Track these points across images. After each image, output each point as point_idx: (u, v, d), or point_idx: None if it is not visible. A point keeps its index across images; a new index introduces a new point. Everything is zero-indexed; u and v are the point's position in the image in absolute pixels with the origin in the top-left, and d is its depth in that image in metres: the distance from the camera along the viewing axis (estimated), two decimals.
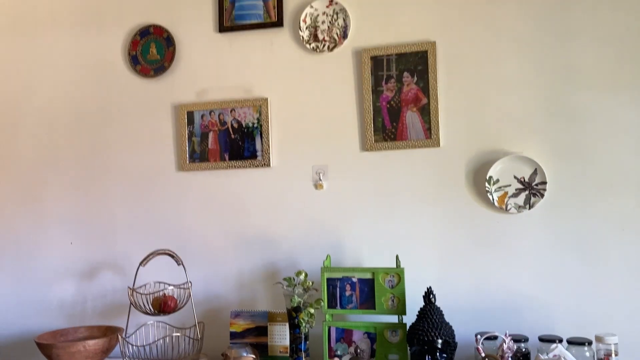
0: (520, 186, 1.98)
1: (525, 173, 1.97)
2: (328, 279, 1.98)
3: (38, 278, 2.43)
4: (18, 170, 2.47)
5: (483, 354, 1.71)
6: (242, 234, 2.23)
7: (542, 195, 1.96)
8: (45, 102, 2.46)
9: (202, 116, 2.28)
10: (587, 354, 1.75)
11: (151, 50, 2.35)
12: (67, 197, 2.42)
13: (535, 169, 1.96)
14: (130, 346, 2.05)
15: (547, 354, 1.71)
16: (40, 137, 2.46)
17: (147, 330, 2.21)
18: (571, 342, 1.77)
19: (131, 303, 2.07)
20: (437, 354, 1.76)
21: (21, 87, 2.48)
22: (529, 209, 1.97)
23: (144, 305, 2.11)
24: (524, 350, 1.81)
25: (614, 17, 1.94)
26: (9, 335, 2.43)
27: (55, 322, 2.39)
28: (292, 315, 1.89)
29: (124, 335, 2.06)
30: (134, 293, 2.11)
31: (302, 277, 1.91)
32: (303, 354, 1.89)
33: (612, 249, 1.92)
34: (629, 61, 1.93)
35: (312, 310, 1.85)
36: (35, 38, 2.48)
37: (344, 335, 1.95)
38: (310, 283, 1.92)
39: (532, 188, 1.97)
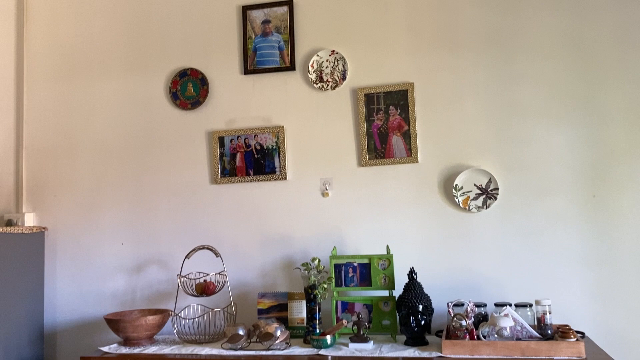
0: (479, 191, 2.60)
1: (483, 181, 2.60)
2: (335, 265, 2.56)
3: (95, 273, 2.96)
4: (78, 187, 3.02)
5: (452, 314, 2.30)
6: (265, 233, 2.81)
7: (496, 198, 2.58)
8: (100, 132, 3.03)
9: (231, 140, 2.87)
10: (529, 313, 2.35)
11: (188, 88, 2.94)
12: (119, 208, 2.97)
13: (490, 179, 2.59)
14: (180, 320, 2.61)
15: (500, 313, 2.30)
16: (96, 161, 3.01)
17: (190, 310, 2.75)
18: (517, 305, 2.36)
19: (180, 286, 2.63)
20: (419, 316, 2.34)
21: (80, 121, 3.05)
22: (486, 209, 2.59)
23: (189, 289, 2.67)
24: (483, 312, 2.41)
25: (547, 65, 2.58)
26: (71, 320, 2.96)
27: (109, 308, 2.92)
28: (309, 292, 2.47)
29: (173, 313, 2.62)
30: (182, 279, 2.67)
31: (316, 262, 2.49)
32: (317, 321, 2.46)
33: (548, 238, 2.54)
34: (558, 99, 2.57)
35: (325, 286, 2.44)
36: (91, 81, 3.06)
37: (348, 307, 2.54)
38: (322, 267, 2.51)
39: (488, 193, 2.60)
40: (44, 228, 2.98)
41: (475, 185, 2.60)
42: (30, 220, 3.00)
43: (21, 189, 3.04)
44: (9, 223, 2.94)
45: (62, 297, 2.98)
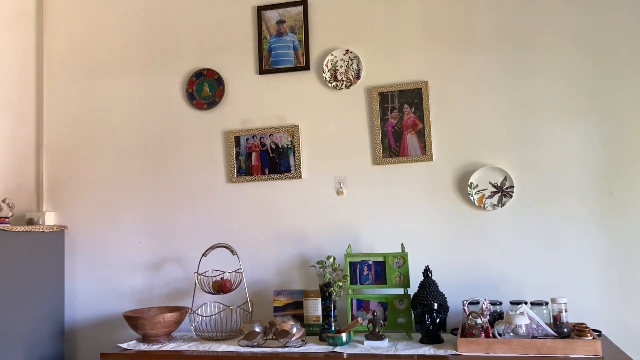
0: (494, 189, 2.60)
1: (498, 179, 2.60)
2: (350, 263, 2.58)
3: (113, 271, 3.01)
4: (97, 186, 3.07)
5: (468, 312, 2.31)
6: (280, 231, 2.83)
7: (511, 196, 2.58)
8: (118, 132, 3.07)
9: (247, 140, 2.90)
10: (545, 311, 2.34)
11: (204, 89, 2.98)
12: (136, 206, 3.01)
13: (505, 177, 2.59)
14: (197, 317, 2.65)
15: (515, 312, 2.30)
16: (114, 160, 3.06)
17: (207, 308, 2.78)
18: (533, 303, 2.36)
19: (197, 284, 2.67)
20: (434, 313, 2.35)
21: (98, 121, 3.10)
22: (501, 207, 2.59)
23: (206, 287, 2.70)
24: (498, 310, 2.40)
25: (562, 61, 2.57)
26: (91, 317, 3.01)
27: (128, 306, 2.96)
28: (324, 290, 2.49)
29: (191, 310, 2.65)
30: (199, 277, 2.71)
31: (331, 260, 2.50)
32: (333, 319, 2.48)
33: (565, 236, 2.52)
34: (574, 96, 2.55)
35: (340, 284, 2.45)
36: (109, 82, 3.11)
37: (363, 305, 2.55)
38: (338, 265, 2.52)
39: (503, 191, 2.59)
40: (64, 227, 3.04)
41: (490, 183, 2.60)
42: (50, 219, 3.06)
43: (42, 188, 3.11)
44: (30, 222, 3.00)
45: (81, 294, 3.03)
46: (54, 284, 2.93)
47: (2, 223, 2.66)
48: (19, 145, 3.07)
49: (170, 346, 2.48)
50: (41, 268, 2.83)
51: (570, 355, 2.05)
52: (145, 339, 2.56)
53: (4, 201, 2.76)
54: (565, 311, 2.28)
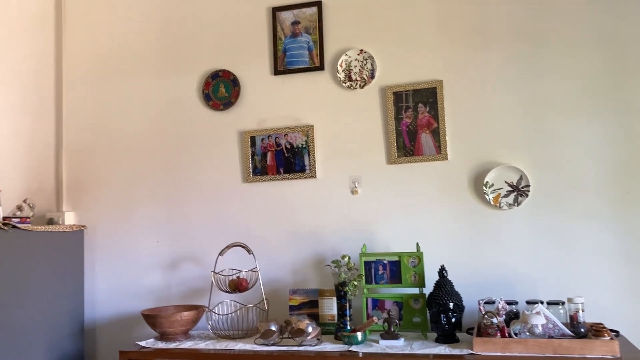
0: (510, 189, 2.59)
1: (514, 178, 2.58)
2: (365, 262, 2.58)
3: (131, 270, 3.05)
4: (115, 186, 3.12)
5: (483, 312, 2.30)
6: (295, 231, 2.85)
7: (527, 195, 2.56)
8: (135, 133, 3.11)
9: (262, 140, 2.92)
10: (561, 311, 2.33)
11: (220, 89, 3.01)
12: (153, 206, 3.05)
13: (521, 175, 2.57)
14: (214, 316, 2.68)
15: (531, 311, 2.28)
16: (132, 160, 3.11)
17: (223, 307, 2.81)
18: (549, 303, 2.35)
19: (214, 283, 2.70)
20: (450, 313, 2.35)
21: (116, 122, 3.15)
22: (517, 206, 2.57)
23: (223, 286, 2.73)
24: (514, 310, 2.39)
25: (578, 59, 2.55)
26: (109, 315, 3.06)
27: (146, 304, 3.00)
28: (339, 289, 2.50)
29: (208, 309, 2.68)
30: (215, 276, 2.74)
31: (346, 259, 2.52)
32: (348, 318, 2.49)
33: (581, 235, 2.50)
34: (590, 94, 2.53)
35: (355, 283, 2.46)
36: (126, 83, 3.15)
37: (378, 304, 2.56)
38: (353, 264, 2.53)
39: (519, 190, 2.58)
40: (83, 226, 3.08)
41: (506, 182, 2.58)
42: (70, 219, 3.11)
43: (61, 188, 3.16)
44: (51, 222, 3.06)
45: (101, 293, 3.08)
46: (73, 283, 2.98)
47: (23, 223, 2.71)
48: (39, 146, 3.12)
49: (187, 344, 2.51)
50: (61, 267, 2.89)
51: (588, 356, 2.03)
52: (163, 337, 2.59)
53: (25, 201, 2.81)
54: (582, 311, 2.26)
